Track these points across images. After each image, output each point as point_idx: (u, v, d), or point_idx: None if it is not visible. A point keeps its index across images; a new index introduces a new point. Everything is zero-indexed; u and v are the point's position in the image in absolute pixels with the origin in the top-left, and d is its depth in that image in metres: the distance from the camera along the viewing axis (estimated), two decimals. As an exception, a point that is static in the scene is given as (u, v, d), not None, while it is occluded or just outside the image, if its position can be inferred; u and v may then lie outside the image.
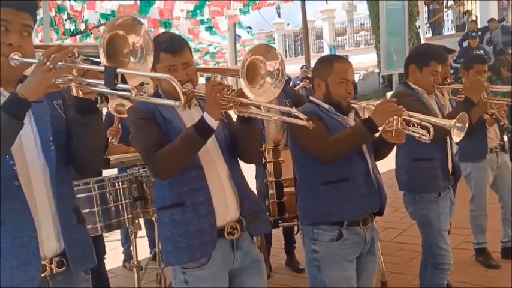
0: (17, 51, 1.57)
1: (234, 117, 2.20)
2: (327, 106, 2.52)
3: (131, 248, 4.91)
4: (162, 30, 15.54)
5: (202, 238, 2.05)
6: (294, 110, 2.12)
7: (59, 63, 1.50)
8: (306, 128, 2.42)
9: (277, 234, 4.55)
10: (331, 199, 2.45)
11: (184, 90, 2.07)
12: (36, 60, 1.55)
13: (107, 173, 3.70)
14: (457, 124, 2.47)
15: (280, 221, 3.65)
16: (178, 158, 2.02)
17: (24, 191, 1.61)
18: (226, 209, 2.12)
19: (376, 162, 2.61)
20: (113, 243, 5.07)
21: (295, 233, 4.32)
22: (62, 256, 1.68)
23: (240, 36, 21.00)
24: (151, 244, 4.87)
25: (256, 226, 2.22)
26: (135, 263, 3.20)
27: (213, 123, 1.97)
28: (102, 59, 1.57)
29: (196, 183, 2.08)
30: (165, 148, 2.02)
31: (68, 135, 1.74)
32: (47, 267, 1.65)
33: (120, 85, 1.52)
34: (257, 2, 13.02)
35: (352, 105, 2.58)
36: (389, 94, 14.70)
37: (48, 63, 1.48)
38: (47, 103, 1.72)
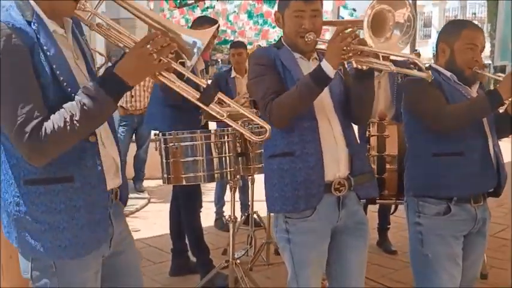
0: None
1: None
2: (448, 74, 2.35)
3: (223, 209, 5.08)
4: (265, 7, 15.63)
5: (309, 189, 2.03)
6: (416, 58, 2.01)
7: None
8: (423, 95, 2.31)
9: (371, 214, 4.43)
10: (441, 172, 2.30)
11: (307, 39, 2.06)
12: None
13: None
14: None
15: (377, 198, 3.53)
16: (292, 106, 2.00)
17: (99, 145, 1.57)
18: (336, 164, 2.07)
19: None
20: (205, 204, 5.22)
21: (391, 212, 4.17)
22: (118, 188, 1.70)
23: (343, 18, 20.61)
24: (243, 208, 4.96)
25: (365, 188, 2.16)
26: (232, 217, 3.23)
27: (330, 71, 1.92)
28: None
29: (308, 134, 2.05)
30: (281, 96, 2.01)
31: None
32: (110, 197, 1.64)
33: (213, 106, 1.52)
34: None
35: (479, 75, 2.38)
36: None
37: (155, 55, 1.44)
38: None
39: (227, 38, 22.74)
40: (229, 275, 3.26)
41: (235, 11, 17.41)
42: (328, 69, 1.92)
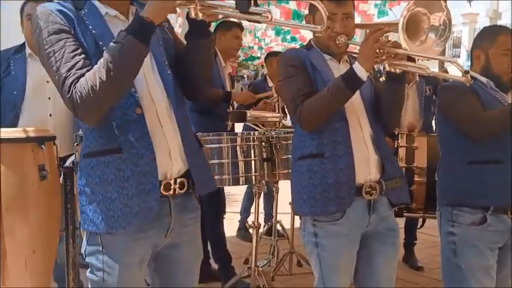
0: None
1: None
2: (484, 80, 2.29)
3: (248, 219, 5.02)
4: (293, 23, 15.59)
5: (339, 191, 1.97)
6: (455, 61, 1.95)
7: None
8: (459, 100, 2.25)
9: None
10: (477, 181, 2.21)
11: (338, 42, 2.02)
12: None
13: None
14: None
15: (405, 211, 3.45)
16: (323, 108, 1.96)
17: (146, 117, 1.56)
18: (367, 167, 2.02)
19: None
20: (229, 214, 5.17)
21: (418, 227, 4.06)
22: (184, 178, 1.62)
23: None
24: (267, 218, 4.91)
25: (396, 193, 2.10)
26: (256, 223, 3.18)
27: (363, 74, 1.88)
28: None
29: (338, 135, 2.00)
30: (312, 98, 1.98)
31: (176, 59, 1.70)
32: (171, 187, 1.60)
33: (253, 8, 1.45)
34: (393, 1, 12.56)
35: None
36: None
37: None
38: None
39: (253, 54, 22.86)
40: (251, 283, 3.20)
41: (262, 28, 17.50)
42: (361, 71, 1.88)
